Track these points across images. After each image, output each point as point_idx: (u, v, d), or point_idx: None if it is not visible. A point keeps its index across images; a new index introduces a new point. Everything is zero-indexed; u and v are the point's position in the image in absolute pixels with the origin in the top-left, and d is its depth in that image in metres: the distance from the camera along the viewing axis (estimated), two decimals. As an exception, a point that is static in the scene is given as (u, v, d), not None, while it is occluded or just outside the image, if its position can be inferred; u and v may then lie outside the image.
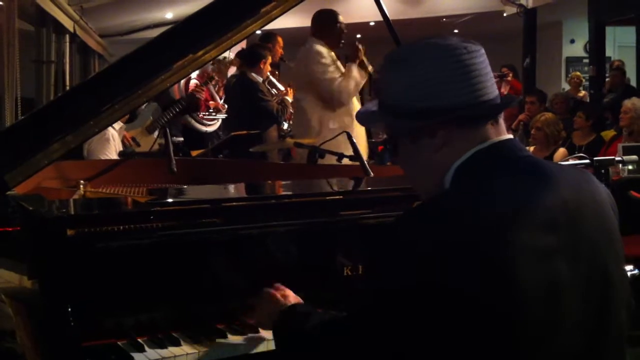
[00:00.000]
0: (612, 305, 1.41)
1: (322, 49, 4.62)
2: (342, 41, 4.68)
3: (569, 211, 1.37)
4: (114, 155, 4.67)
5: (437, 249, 1.29)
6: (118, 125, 5.01)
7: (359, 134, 4.31)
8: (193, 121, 6.71)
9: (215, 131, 6.86)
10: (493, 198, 1.35)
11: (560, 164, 2.22)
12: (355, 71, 4.55)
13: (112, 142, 4.78)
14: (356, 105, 4.61)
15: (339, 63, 4.64)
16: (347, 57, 4.64)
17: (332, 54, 4.66)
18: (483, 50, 1.46)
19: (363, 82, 4.62)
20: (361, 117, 1.62)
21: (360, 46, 4.58)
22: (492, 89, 1.46)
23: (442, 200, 1.41)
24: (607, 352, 1.40)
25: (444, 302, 1.28)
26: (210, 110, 6.77)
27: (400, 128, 1.50)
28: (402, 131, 1.49)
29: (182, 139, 6.76)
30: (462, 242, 1.29)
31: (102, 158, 4.70)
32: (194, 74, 6.35)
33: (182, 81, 6.20)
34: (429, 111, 1.42)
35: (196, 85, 6.45)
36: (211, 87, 6.86)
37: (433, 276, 1.29)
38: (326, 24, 4.72)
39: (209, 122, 6.82)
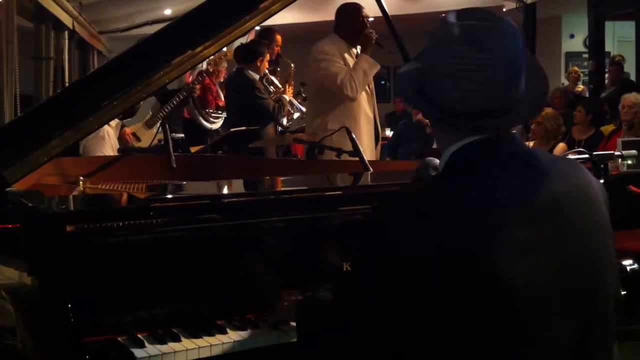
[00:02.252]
0: (600, 297, 1.41)
1: (326, 47, 4.39)
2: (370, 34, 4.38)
3: (556, 205, 1.38)
4: (109, 153, 4.65)
5: (426, 247, 1.31)
6: (114, 122, 4.98)
7: (365, 133, 4.21)
8: (200, 118, 6.72)
9: (216, 129, 6.88)
10: (480, 195, 1.36)
11: (554, 155, 2.22)
12: (364, 61, 4.33)
13: (107, 139, 4.75)
14: (365, 107, 4.41)
15: (348, 58, 4.41)
16: (361, 47, 4.40)
17: (346, 50, 4.43)
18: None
19: (375, 70, 4.40)
20: (399, 82, 1.60)
21: (373, 34, 4.36)
22: (519, 86, 1.45)
23: (431, 196, 1.42)
24: (597, 343, 1.41)
25: (434, 299, 1.30)
26: (219, 111, 6.80)
27: (425, 111, 1.55)
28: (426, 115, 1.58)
29: (182, 135, 6.77)
30: (450, 240, 1.31)
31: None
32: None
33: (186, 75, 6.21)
34: (451, 112, 1.43)
35: (194, 76, 6.47)
36: (217, 86, 6.88)
37: (421, 275, 1.30)
38: (343, 19, 4.49)
39: (214, 120, 6.84)
